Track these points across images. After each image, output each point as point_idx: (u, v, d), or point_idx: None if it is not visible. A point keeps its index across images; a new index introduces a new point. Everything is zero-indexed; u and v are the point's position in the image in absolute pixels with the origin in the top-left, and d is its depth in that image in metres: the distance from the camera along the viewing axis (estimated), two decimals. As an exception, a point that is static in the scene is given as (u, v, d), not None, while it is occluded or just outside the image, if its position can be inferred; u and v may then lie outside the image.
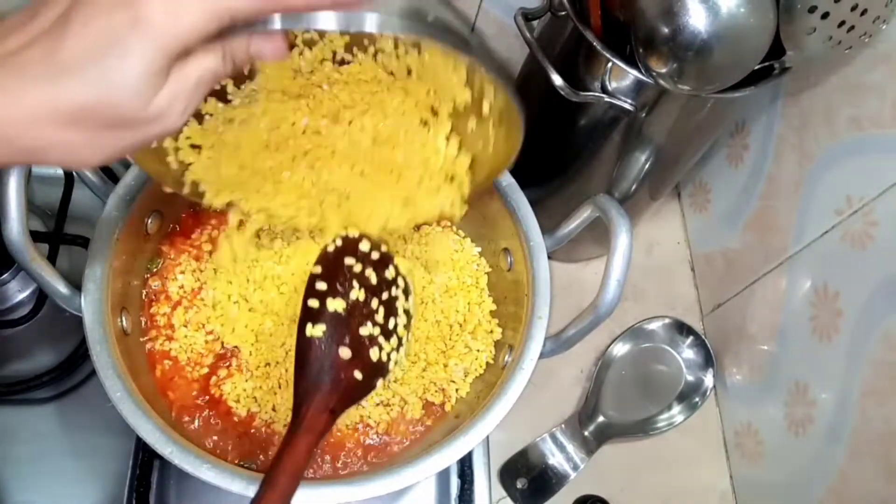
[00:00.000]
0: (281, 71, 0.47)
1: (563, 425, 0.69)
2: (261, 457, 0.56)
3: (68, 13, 0.29)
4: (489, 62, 0.38)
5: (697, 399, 0.71)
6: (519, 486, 0.67)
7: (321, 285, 0.48)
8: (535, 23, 0.60)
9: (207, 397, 0.57)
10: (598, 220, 0.53)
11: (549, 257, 0.58)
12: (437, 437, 0.56)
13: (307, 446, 0.44)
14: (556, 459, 0.68)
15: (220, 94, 0.47)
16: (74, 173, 0.67)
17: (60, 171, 0.67)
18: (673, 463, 0.71)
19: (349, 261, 0.50)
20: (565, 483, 0.67)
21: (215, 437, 0.56)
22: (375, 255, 0.51)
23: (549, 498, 0.67)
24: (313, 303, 0.48)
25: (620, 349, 0.72)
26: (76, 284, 0.52)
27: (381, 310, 0.50)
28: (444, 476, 0.65)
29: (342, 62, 0.48)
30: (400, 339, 0.51)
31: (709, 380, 0.72)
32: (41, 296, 0.63)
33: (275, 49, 0.34)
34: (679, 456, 0.71)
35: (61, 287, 0.51)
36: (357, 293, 0.49)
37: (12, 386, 0.61)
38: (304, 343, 0.47)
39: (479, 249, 0.65)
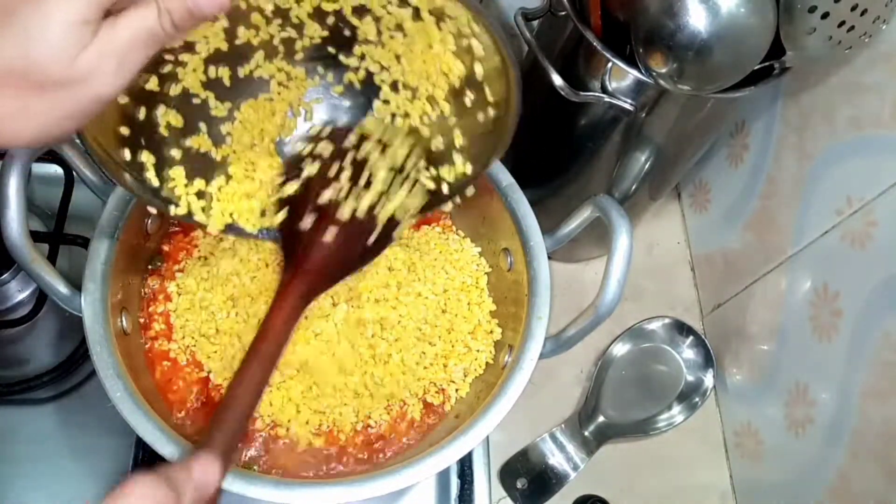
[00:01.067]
0: None
1: (563, 425, 0.69)
2: (262, 458, 0.56)
3: None
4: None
5: (697, 399, 0.71)
6: (519, 486, 0.67)
7: (286, 190, 0.51)
8: (534, 23, 0.60)
9: (207, 399, 0.57)
10: (598, 221, 0.53)
11: (549, 257, 0.58)
12: (437, 437, 0.56)
13: (294, 309, 0.46)
14: (556, 459, 0.68)
15: None
16: (74, 173, 0.67)
17: (60, 171, 0.67)
18: (673, 463, 0.71)
19: (302, 146, 0.53)
20: (565, 483, 0.67)
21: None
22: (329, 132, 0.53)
23: (549, 498, 0.67)
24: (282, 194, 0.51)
25: (620, 349, 0.72)
26: (76, 284, 0.52)
27: (347, 172, 0.51)
28: (444, 476, 0.65)
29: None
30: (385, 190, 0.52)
31: (709, 380, 0.72)
32: (41, 296, 0.63)
33: (212, 1, 0.31)
34: (679, 456, 0.71)
35: (61, 287, 0.51)
36: (310, 168, 0.51)
37: (12, 386, 0.61)
38: (282, 232, 0.50)
39: (479, 249, 0.64)
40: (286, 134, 0.56)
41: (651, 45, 0.49)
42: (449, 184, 0.54)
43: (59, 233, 0.65)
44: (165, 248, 0.61)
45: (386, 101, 0.55)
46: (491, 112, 0.50)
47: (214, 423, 0.43)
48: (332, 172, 0.50)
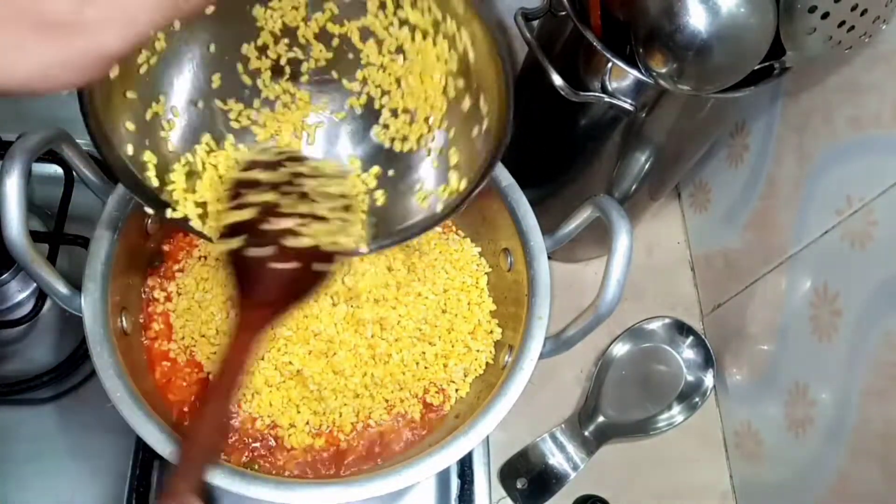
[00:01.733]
0: None
1: (563, 425, 0.69)
2: (262, 458, 0.56)
3: None
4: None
5: (697, 399, 0.71)
6: (519, 486, 0.67)
7: (234, 216, 0.48)
8: (534, 23, 0.60)
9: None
10: (598, 221, 0.53)
11: (549, 257, 0.58)
12: (438, 437, 0.56)
13: (242, 345, 0.45)
14: (556, 459, 0.68)
15: None
16: (74, 173, 0.67)
17: (60, 171, 0.67)
18: (673, 463, 0.71)
19: (247, 175, 0.49)
20: (565, 483, 0.67)
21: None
22: (270, 160, 0.50)
23: (549, 498, 0.66)
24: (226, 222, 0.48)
25: (620, 349, 0.72)
26: (76, 284, 0.52)
27: (296, 201, 0.48)
28: (444, 476, 0.65)
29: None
30: (343, 220, 0.49)
31: (709, 380, 0.72)
32: (41, 296, 0.63)
33: None
34: (679, 456, 0.71)
35: (61, 287, 0.51)
36: (261, 196, 0.47)
37: (12, 386, 0.61)
38: (229, 260, 0.47)
39: (479, 249, 0.64)
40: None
41: (651, 45, 0.49)
42: (443, 203, 0.53)
43: (59, 233, 0.65)
44: (165, 248, 0.61)
45: (385, 126, 0.55)
46: (485, 123, 0.51)
47: (183, 460, 0.44)
48: (283, 202, 0.47)
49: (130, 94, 0.48)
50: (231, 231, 0.47)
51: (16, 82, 0.29)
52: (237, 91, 0.54)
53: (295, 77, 0.55)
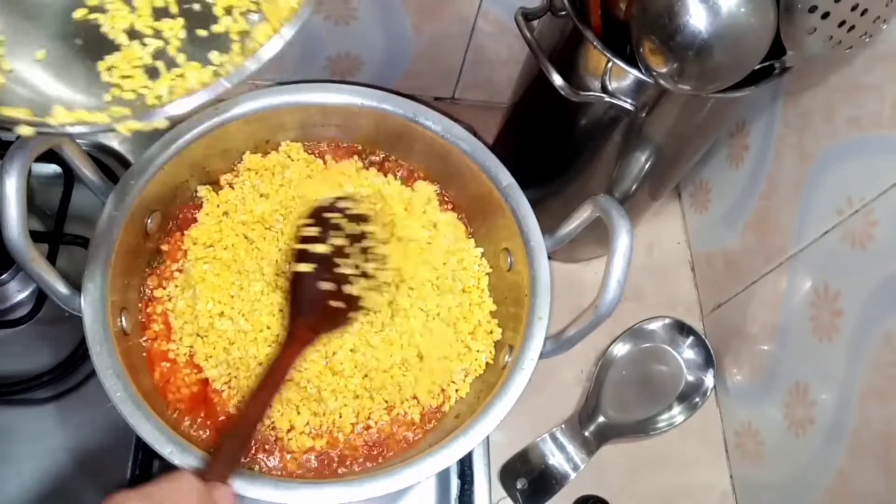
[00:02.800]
0: None
1: (563, 426, 0.69)
2: (263, 459, 0.56)
3: None
4: None
5: (698, 399, 0.71)
6: (519, 486, 0.67)
7: (310, 232, 0.56)
8: (535, 23, 0.60)
9: (205, 399, 0.57)
10: (598, 221, 0.53)
11: (550, 257, 0.58)
12: (438, 437, 0.56)
13: (292, 354, 0.53)
14: (556, 460, 0.68)
15: None
16: (74, 173, 0.67)
17: (60, 171, 0.67)
18: (673, 463, 0.71)
19: (333, 214, 0.57)
20: (565, 483, 0.67)
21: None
22: (355, 211, 0.58)
23: (549, 498, 0.66)
24: (303, 246, 0.56)
25: (621, 349, 0.72)
26: (76, 284, 0.52)
27: (358, 254, 0.56)
28: (444, 476, 0.65)
29: None
30: (376, 279, 0.57)
31: (709, 380, 0.72)
32: (41, 296, 0.63)
33: None
34: (679, 456, 0.71)
35: (61, 287, 0.51)
36: (338, 240, 0.56)
37: (12, 386, 0.61)
38: (295, 278, 0.56)
39: (482, 250, 0.64)
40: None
41: (651, 45, 0.49)
42: None
43: (59, 233, 0.65)
44: (164, 248, 0.61)
45: None
46: None
47: (221, 453, 0.48)
48: (350, 251, 0.56)
49: None
50: (300, 255, 0.56)
51: None
52: None
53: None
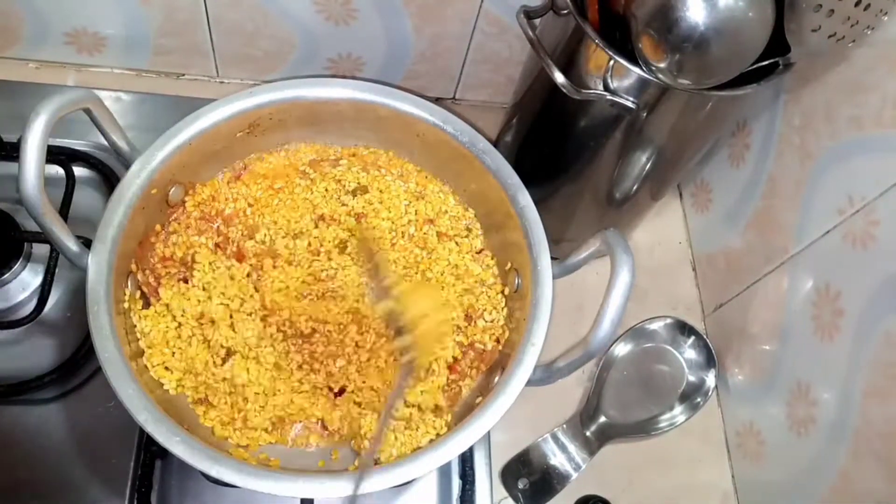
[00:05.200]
0: None
1: (564, 426, 0.69)
2: (264, 452, 0.56)
3: None
4: None
5: (699, 399, 0.71)
6: (520, 486, 0.66)
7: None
8: (536, 21, 0.60)
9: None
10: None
11: (553, 258, 0.58)
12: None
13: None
14: (557, 460, 0.68)
15: None
16: (74, 172, 0.67)
17: (61, 172, 0.67)
18: (675, 463, 0.71)
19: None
20: (567, 483, 0.67)
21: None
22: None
23: (550, 498, 0.66)
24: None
25: (622, 349, 0.72)
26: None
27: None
28: (445, 476, 0.65)
29: None
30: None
31: (710, 380, 0.72)
32: (42, 296, 0.63)
33: None
34: (681, 456, 0.71)
35: (71, 244, 0.51)
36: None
37: (14, 386, 0.61)
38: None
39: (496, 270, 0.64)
40: None
41: (650, 39, 0.50)
42: None
43: (60, 233, 0.65)
44: (176, 218, 0.62)
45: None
46: None
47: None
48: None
49: None
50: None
51: None
52: None
53: None
